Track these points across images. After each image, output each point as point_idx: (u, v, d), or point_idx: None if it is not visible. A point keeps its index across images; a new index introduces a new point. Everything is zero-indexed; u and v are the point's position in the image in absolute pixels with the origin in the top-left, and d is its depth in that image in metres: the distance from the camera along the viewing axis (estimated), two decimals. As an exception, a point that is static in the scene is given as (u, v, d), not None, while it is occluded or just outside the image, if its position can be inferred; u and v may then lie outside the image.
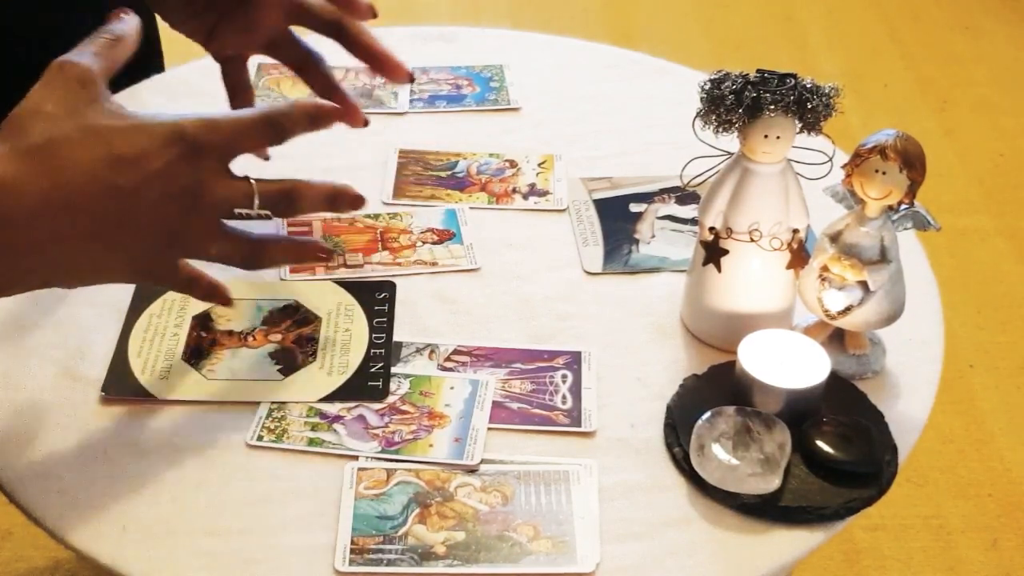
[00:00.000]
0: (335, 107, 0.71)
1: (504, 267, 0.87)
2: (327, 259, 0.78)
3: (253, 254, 0.70)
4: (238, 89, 0.88)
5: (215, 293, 0.73)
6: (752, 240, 0.75)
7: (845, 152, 0.76)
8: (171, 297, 0.82)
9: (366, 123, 0.81)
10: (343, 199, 0.71)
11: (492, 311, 0.83)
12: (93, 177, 0.62)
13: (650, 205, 0.93)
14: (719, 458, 0.69)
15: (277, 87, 1.06)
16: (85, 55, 0.66)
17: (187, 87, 1.05)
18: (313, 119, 0.69)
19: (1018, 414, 1.64)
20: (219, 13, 0.83)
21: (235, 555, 0.66)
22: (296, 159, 0.94)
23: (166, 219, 0.65)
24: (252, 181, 0.67)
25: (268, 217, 0.68)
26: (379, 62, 0.82)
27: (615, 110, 1.05)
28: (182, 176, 0.64)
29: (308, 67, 0.85)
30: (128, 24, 0.71)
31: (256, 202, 0.67)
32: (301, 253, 0.75)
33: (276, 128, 0.68)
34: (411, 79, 0.84)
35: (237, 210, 0.67)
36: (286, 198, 0.69)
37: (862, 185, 0.72)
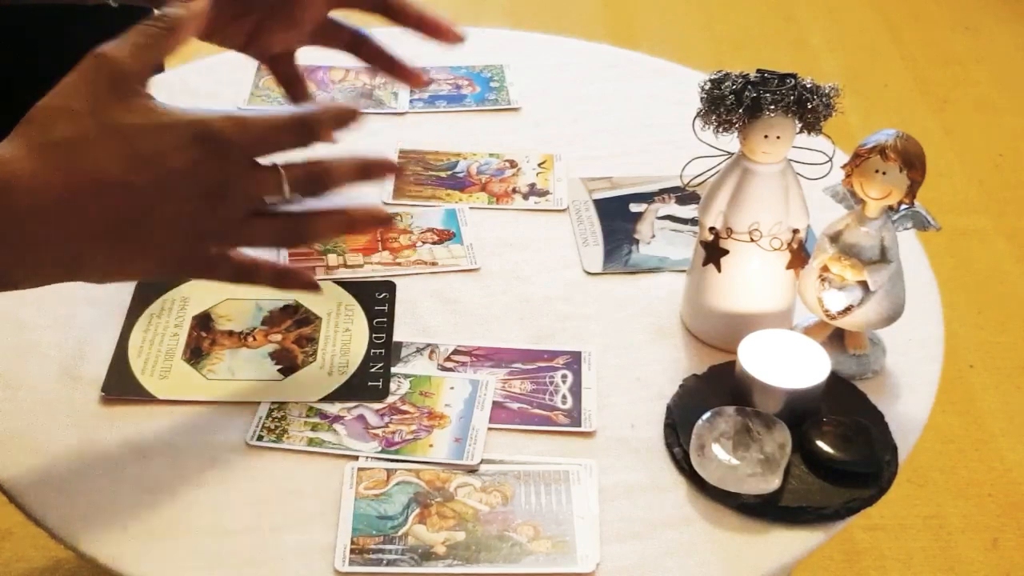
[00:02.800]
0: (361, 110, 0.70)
1: (504, 267, 0.87)
2: (387, 225, 0.73)
3: (296, 230, 0.68)
4: (293, 82, 0.88)
5: (290, 278, 0.72)
6: (752, 240, 0.75)
7: (845, 152, 0.76)
8: (171, 297, 0.82)
9: (429, 82, 0.82)
10: (377, 168, 0.70)
11: (492, 311, 0.83)
12: (106, 176, 0.61)
13: (650, 205, 0.93)
14: (719, 458, 0.69)
15: (277, 87, 1.06)
16: (125, 48, 0.64)
17: (187, 87, 1.05)
18: (340, 119, 0.68)
19: (1018, 414, 1.64)
20: (258, 16, 0.83)
21: (235, 555, 0.66)
22: (296, 159, 0.93)
23: (192, 216, 0.64)
24: (280, 169, 0.66)
25: (299, 201, 0.67)
26: (431, 27, 0.83)
27: (615, 110, 1.05)
28: (207, 174, 0.63)
29: (361, 45, 0.85)
30: (190, 9, 0.67)
31: (286, 189, 0.66)
32: (354, 224, 0.71)
33: (307, 128, 0.67)
34: (461, 38, 0.84)
35: (268, 199, 0.66)
36: (317, 179, 0.67)
37: (862, 185, 0.72)
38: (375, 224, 0.73)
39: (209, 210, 0.64)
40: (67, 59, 0.65)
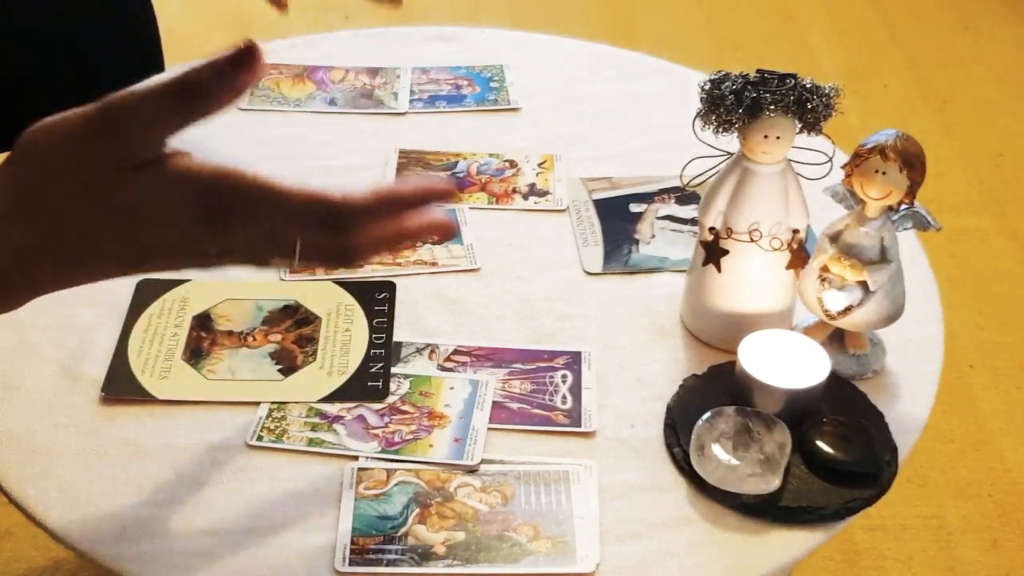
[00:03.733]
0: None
1: (504, 267, 0.87)
2: (446, 237, 0.64)
3: (340, 250, 0.59)
4: None
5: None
6: (752, 240, 0.75)
7: (845, 152, 0.76)
8: (171, 297, 0.82)
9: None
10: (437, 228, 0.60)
11: (492, 311, 0.83)
12: (97, 251, 0.58)
13: (650, 205, 0.93)
14: (719, 458, 0.69)
15: (277, 87, 1.06)
16: (139, 119, 0.57)
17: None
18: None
19: (1018, 414, 1.64)
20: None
21: (235, 555, 0.66)
22: (296, 159, 0.94)
23: (186, 243, 0.59)
24: (296, 245, 0.58)
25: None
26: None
27: (615, 110, 1.05)
28: (202, 241, 0.58)
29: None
30: (243, 73, 0.58)
31: (295, 263, 0.59)
32: (411, 237, 0.61)
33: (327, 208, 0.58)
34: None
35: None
36: (339, 248, 0.59)
37: (862, 185, 0.72)
38: (436, 235, 0.63)
39: (212, 244, 0.59)
40: (52, 67, 0.63)
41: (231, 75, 0.58)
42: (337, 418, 0.74)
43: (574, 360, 0.79)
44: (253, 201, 0.57)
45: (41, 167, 0.57)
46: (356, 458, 0.71)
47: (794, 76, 0.72)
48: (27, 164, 0.57)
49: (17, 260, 0.58)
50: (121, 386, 0.76)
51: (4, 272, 0.59)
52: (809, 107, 0.71)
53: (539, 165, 0.97)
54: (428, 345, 0.80)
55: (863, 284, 0.74)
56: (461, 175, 0.96)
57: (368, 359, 0.78)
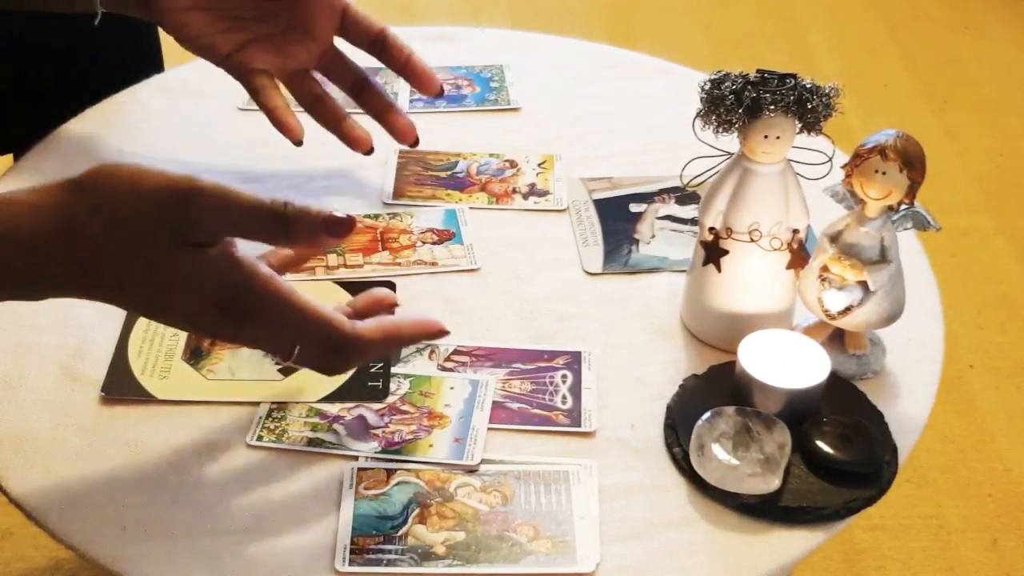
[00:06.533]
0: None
1: (504, 267, 0.87)
2: (440, 337, 0.71)
3: (338, 352, 0.66)
4: (314, 103, 0.91)
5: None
6: (752, 240, 0.75)
7: (845, 152, 0.76)
8: (171, 297, 0.82)
9: (416, 142, 0.91)
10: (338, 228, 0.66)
11: (492, 311, 0.83)
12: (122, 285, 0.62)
13: (650, 205, 0.93)
14: (719, 458, 0.69)
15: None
16: (230, 218, 0.61)
17: (187, 87, 1.05)
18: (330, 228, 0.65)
19: (1018, 414, 1.64)
20: (248, 35, 0.87)
21: (235, 555, 0.66)
22: (296, 159, 0.94)
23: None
24: (296, 344, 0.64)
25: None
26: (415, 74, 0.91)
27: (615, 110, 1.05)
28: (217, 328, 0.64)
29: (362, 90, 0.91)
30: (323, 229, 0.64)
31: (292, 363, 0.65)
32: (404, 340, 0.71)
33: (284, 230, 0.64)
34: (441, 92, 0.92)
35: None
36: (345, 351, 0.66)
37: (862, 185, 0.72)
38: (427, 338, 0.72)
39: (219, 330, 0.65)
40: (52, 67, 0.65)
41: (320, 235, 0.64)
42: (337, 418, 0.74)
43: (574, 360, 0.79)
44: (271, 311, 0.63)
45: (103, 204, 0.60)
46: (356, 458, 0.71)
47: (794, 76, 0.72)
48: (88, 194, 0.60)
49: (45, 273, 0.61)
50: (121, 386, 0.76)
51: (31, 281, 0.62)
52: (809, 107, 0.71)
53: (539, 165, 0.97)
54: (428, 345, 0.80)
55: (863, 284, 0.74)
56: (461, 175, 0.96)
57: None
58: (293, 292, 0.63)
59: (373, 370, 0.77)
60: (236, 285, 0.62)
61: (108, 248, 0.60)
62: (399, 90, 1.06)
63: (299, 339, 0.64)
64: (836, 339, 0.78)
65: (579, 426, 0.74)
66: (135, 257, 0.60)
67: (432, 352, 0.79)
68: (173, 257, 0.61)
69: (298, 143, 0.87)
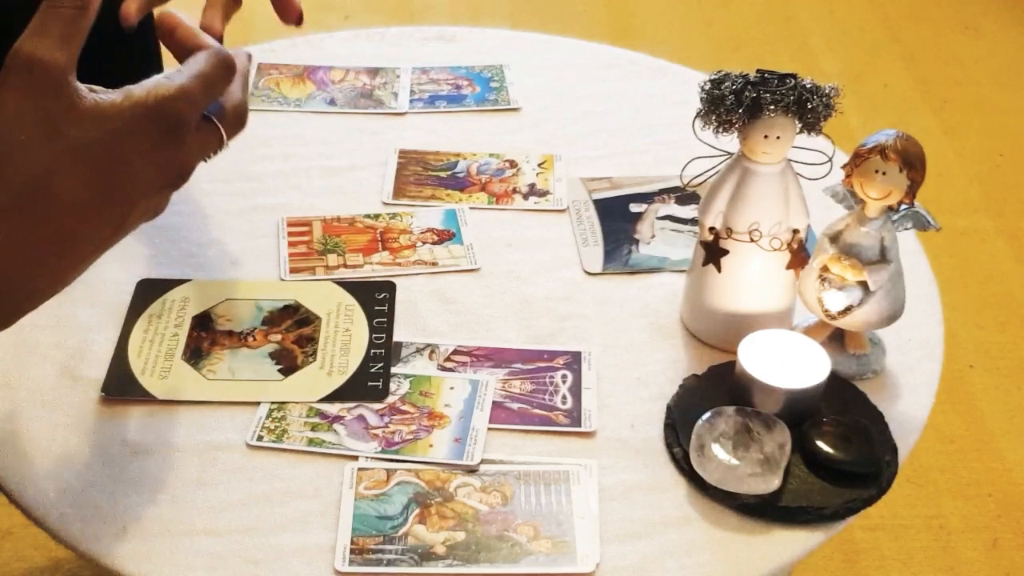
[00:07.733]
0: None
1: (504, 267, 0.87)
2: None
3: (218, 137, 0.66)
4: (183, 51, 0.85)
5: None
6: (752, 240, 0.75)
7: (845, 152, 0.76)
8: (171, 297, 0.82)
9: (300, 20, 0.81)
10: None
11: (492, 311, 0.83)
12: (85, 218, 0.59)
13: (650, 205, 0.93)
14: (719, 458, 0.69)
15: (277, 87, 1.06)
16: (50, 43, 0.58)
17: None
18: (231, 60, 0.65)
19: (1018, 414, 1.64)
20: None
21: (235, 555, 0.66)
22: (296, 159, 0.94)
23: (157, 202, 0.63)
24: (218, 125, 0.64)
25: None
26: (280, 3, 0.82)
27: (615, 110, 1.05)
28: (171, 164, 0.62)
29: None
30: None
31: (226, 142, 0.65)
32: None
33: (230, 69, 0.65)
34: (300, 21, 0.83)
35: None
36: (241, 112, 0.67)
37: (862, 185, 0.72)
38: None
39: (171, 190, 0.64)
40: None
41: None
42: (337, 418, 0.74)
43: (574, 360, 0.79)
44: (183, 94, 0.61)
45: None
46: (356, 458, 0.71)
47: (794, 76, 0.72)
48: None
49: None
50: (121, 386, 0.76)
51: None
52: (809, 107, 0.71)
53: (539, 165, 0.97)
54: (428, 345, 0.80)
55: (863, 284, 0.74)
56: (461, 175, 0.96)
57: (368, 359, 0.78)
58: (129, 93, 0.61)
59: (373, 370, 0.77)
60: (151, 115, 0.60)
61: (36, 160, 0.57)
62: (399, 90, 1.06)
63: (210, 99, 0.63)
64: (836, 339, 0.78)
65: (579, 426, 0.74)
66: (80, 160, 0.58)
67: (432, 352, 0.79)
68: (79, 108, 0.58)
69: (298, 22, 0.82)
